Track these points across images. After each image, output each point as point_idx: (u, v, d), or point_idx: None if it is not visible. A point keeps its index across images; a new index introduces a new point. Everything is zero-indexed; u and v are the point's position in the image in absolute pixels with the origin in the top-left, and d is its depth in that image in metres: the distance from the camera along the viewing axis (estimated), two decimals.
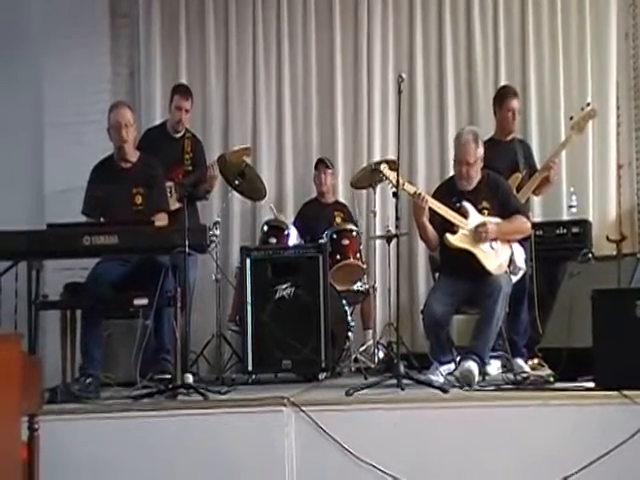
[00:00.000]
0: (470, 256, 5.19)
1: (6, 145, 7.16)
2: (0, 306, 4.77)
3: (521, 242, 5.43)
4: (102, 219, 5.32)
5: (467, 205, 5.29)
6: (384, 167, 5.40)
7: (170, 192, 5.89)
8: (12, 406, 3.01)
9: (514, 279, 5.30)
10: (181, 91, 6.46)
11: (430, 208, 5.27)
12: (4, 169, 7.09)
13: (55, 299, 5.20)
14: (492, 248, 5.24)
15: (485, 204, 5.34)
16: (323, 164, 6.94)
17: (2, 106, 7.19)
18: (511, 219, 5.34)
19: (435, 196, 5.43)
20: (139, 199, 5.49)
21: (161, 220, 5.43)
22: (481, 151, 5.36)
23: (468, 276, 5.20)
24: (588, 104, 6.36)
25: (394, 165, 5.42)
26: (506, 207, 5.37)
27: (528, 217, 5.53)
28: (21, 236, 4.89)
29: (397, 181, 5.12)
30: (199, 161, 6.30)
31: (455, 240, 5.22)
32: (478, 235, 5.20)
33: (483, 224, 5.21)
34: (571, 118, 6.29)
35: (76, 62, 7.16)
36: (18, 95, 7.22)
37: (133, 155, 5.58)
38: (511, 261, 5.27)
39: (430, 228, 5.29)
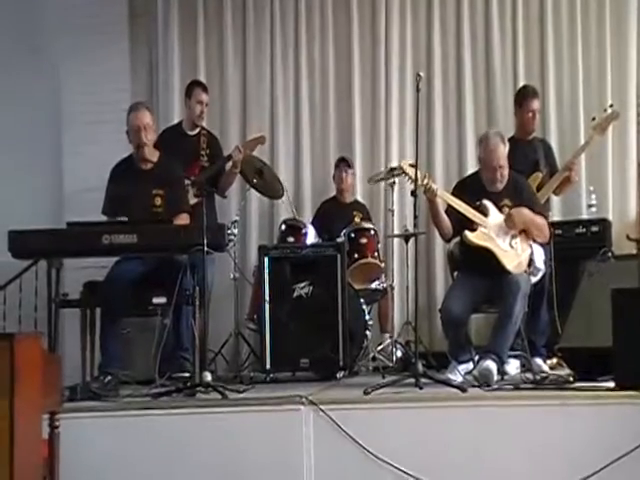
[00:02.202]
0: (489, 254, 5.18)
1: (25, 144, 7.18)
2: (20, 305, 4.81)
3: (542, 244, 5.42)
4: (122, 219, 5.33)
5: (487, 203, 5.27)
6: (404, 163, 5.38)
7: (187, 189, 5.90)
8: (33, 404, 3.03)
9: (533, 280, 5.28)
10: (200, 85, 6.52)
11: (448, 204, 5.28)
12: (23, 169, 7.11)
13: (75, 298, 5.23)
14: (511, 247, 5.23)
15: (507, 202, 5.34)
16: (345, 163, 6.94)
17: (21, 106, 7.21)
18: None
19: (457, 190, 5.43)
20: (158, 200, 5.50)
21: (182, 220, 5.44)
22: (507, 151, 5.37)
23: (487, 274, 5.19)
24: (611, 105, 6.34)
25: (413, 165, 5.40)
26: (529, 209, 5.36)
27: (549, 222, 5.52)
28: (41, 235, 4.91)
29: (415, 180, 5.10)
30: (216, 156, 6.32)
31: (474, 238, 5.20)
32: (509, 217, 5.20)
33: (518, 210, 5.23)
34: (593, 119, 6.27)
35: (95, 61, 7.18)
36: (37, 95, 7.24)
37: (153, 156, 5.58)
38: (531, 261, 5.26)
39: (442, 216, 5.28)
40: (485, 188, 5.37)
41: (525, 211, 5.28)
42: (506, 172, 5.33)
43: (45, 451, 3.38)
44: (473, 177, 5.60)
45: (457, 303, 5.17)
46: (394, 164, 6.65)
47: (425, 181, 5.13)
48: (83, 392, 4.78)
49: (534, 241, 5.36)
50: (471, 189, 5.41)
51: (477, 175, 5.50)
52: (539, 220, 5.36)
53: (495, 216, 5.27)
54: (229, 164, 6.21)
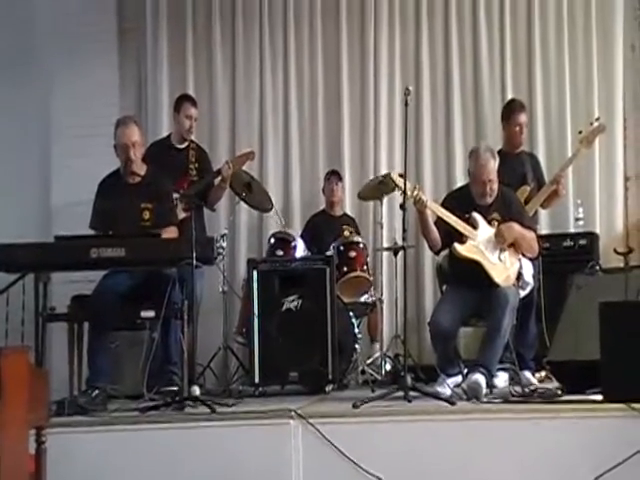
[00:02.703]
0: (478, 267, 5.19)
1: (14, 158, 7.17)
2: (7, 319, 4.79)
3: (530, 258, 5.42)
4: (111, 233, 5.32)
5: (476, 216, 5.28)
6: (394, 174, 5.38)
7: (176, 203, 5.89)
8: (19, 418, 3.02)
9: (522, 294, 5.29)
10: (189, 99, 6.51)
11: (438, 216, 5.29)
12: (12, 182, 7.10)
13: (62, 312, 5.22)
14: (500, 260, 5.24)
15: (496, 215, 5.34)
16: (336, 175, 6.94)
17: (10, 119, 7.21)
18: None
19: (446, 202, 5.46)
20: (147, 214, 5.49)
21: (171, 233, 5.44)
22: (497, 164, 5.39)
23: (475, 287, 5.19)
24: (597, 119, 6.37)
25: (402, 176, 5.41)
26: (518, 223, 5.37)
27: (537, 236, 5.53)
28: (28, 248, 4.91)
29: (404, 194, 5.11)
30: (205, 170, 6.32)
31: (463, 250, 5.21)
32: (499, 232, 5.20)
33: (509, 226, 5.23)
34: (580, 132, 6.30)
35: (84, 75, 7.18)
36: (26, 108, 7.23)
37: (141, 170, 5.57)
38: (519, 275, 5.27)
39: (432, 228, 5.28)
40: (474, 201, 5.38)
41: (515, 226, 5.29)
42: (495, 186, 5.34)
43: (32, 466, 3.35)
44: (463, 190, 5.61)
45: (446, 316, 5.17)
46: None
47: (415, 192, 5.14)
48: (71, 407, 4.76)
49: (523, 255, 5.37)
50: (460, 201, 5.42)
51: (467, 188, 5.51)
52: (529, 235, 5.37)
53: (484, 229, 5.28)
54: (218, 179, 6.21)
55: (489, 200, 5.35)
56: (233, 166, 6.17)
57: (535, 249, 5.42)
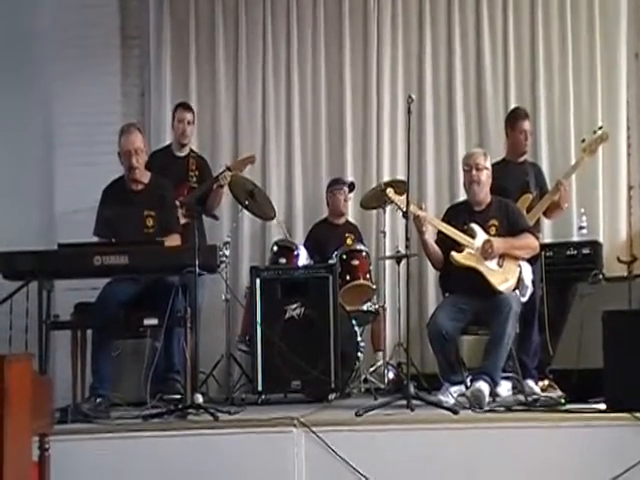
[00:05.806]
0: (477, 274, 5.19)
1: (17, 166, 7.17)
2: (11, 326, 4.79)
3: (531, 263, 5.42)
4: (113, 241, 5.33)
5: (474, 226, 5.31)
6: (390, 191, 5.39)
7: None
8: (23, 426, 3.01)
9: (523, 300, 5.29)
10: (182, 105, 6.59)
11: (438, 230, 5.30)
12: (15, 190, 7.10)
13: (66, 319, 5.23)
14: (499, 265, 5.25)
15: (494, 222, 5.38)
16: (340, 183, 6.88)
17: (12, 126, 7.21)
18: (519, 236, 5.35)
19: (446, 215, 5.52)
20: (150, 221, 5.51)
21: (174, 241, 5.45)
22: (489, 166, 5.42)
23: (476, 294, 5.20)
24: (600, 127, 6.37)
25: (403, 186, 5.42)
26: (515, 226, 5.40)
27: (537, 236, 5.53)
28: (32, 256, 4.92)
29: (407, 203, 5.13)
30: (205, 178, 6.34)
31: (460, 258, 5.23)
32: (484, 251, 5.21)
33: (488, 240, 5.23)
34: (583, 141, 6.30)
35: (86, 83, 7.17)
36: (28, 116, 7.23)
37: (144, 177, 5.61)
38: (519, 280, 5.27)
39: (432, 247, 5.32)
40: (472, 209, 5.40)
41: (497, 244, 5.26)
42: (484, 177, 5.38)
43: (35, 474, 3.36)
44: (462, 203, 5.66)
45: (444, 317, 5.17)
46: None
47: (412, 207, 5.16)
48: (74, 414, 4.76)
49: (523, 259, 5.36)
50: (459, 213, 5.49)
51: (463, 202, 5.60)
52: (518, 242, 5.35)
53: (482, 238, 5.29)
54: (216, 184, 6.22)
55: (477, 191, 5.38)
56: (233, 169, 6.19)
57: (532, 249, 5.40)
